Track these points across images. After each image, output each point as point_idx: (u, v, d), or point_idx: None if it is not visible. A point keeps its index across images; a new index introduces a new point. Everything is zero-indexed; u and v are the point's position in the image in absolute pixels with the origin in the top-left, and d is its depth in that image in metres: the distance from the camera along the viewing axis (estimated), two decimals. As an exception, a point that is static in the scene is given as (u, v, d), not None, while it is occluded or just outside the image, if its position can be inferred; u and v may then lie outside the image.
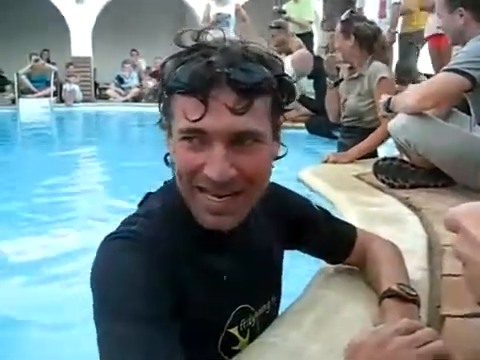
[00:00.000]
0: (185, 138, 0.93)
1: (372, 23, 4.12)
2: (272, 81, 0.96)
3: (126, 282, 0.87)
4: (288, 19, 7.87)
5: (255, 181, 0.96)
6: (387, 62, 3.99)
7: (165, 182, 1.11)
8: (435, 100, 2.64)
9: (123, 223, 0.99)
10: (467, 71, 2.46)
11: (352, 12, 4.15)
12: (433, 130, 2.66)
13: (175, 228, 1.00)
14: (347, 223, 1.43)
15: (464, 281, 0.64)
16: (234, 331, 1.06)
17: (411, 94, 2.71)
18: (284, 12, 8.35)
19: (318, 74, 6.05)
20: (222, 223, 0.97)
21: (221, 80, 0.90)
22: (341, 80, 4.25)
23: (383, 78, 3.78)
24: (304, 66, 6.36)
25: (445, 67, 2.59)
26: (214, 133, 0.91)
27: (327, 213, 1.37)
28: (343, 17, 4.09)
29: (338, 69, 4.32)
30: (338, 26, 4.09)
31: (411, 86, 2.91)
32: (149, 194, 1.09)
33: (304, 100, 6.69)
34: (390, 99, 2.83)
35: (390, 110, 2.85)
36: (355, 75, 4.04)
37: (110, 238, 0.95)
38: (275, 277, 1.24)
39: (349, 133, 4.16)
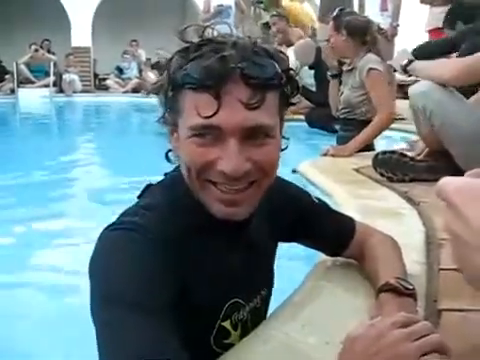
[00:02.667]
0: (196, 135, 0.93)
1: (364, 17, 4.15)
2: (281, 75, 0.97)
3: (126, 272, 0.87)
4: (265, 9, 7.83)
5: (267, 173, 0.98)
6: (380, 55, 3.99)
7: (165, 174, 1.11)
8: (471, 79, 2.66)
9: (124, 214, 0.99)
10: None
11: (342, 9, 4.18)
12: (453, 103, 2.65)
13: (177, 220, 0.99)
14: (346, 216, 1.43)
15: (453, 258, 0.63)
16: (227, 324, 1.06)
17: (448, 67, 2.68)
18: (261, 2, 8.31)
19: (319, 65, 6.04)
20: (236, 213, 0.99)
21: (235, 75, 0.90)
22: (341, 72, 4.26)
23: (371, 69, 3.79)
24: (307, 55, 6.34)
25: None
26: (228, 129, 0.91)
27: (326, 205, 1.38)
28: (334, 14, 4.16)
29: (339, 62, 4.32)
30: (330, 23, 4.14)
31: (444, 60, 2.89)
32: (149, 186, 1.08)
33: (304, 92, 6.67)
34: (411, 61, 2.82)
35: (407, 71, 2.85)
36: (350, 68, 4.08)
37: (111, 229, 0.95)
38: (267, 271, 1.24)
39: (346, 125, 4.18)
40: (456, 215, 0.60)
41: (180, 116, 0.96)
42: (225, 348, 1.06)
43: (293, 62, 6.73)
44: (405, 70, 2.85)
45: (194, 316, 0.98)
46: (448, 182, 0.63)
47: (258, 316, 1.17)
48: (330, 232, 1.33)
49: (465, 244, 0.59)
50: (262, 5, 8.10)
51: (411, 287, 1.14)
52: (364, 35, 3.96)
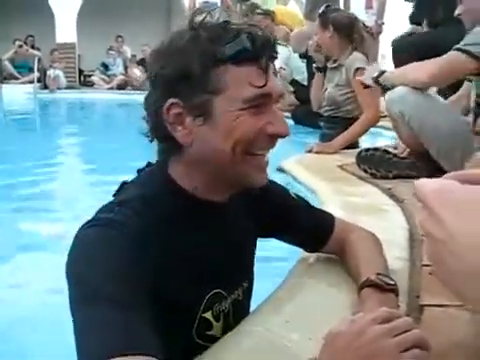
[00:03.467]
0: (248, 107, 0.98)
1: (350, 14, 4.16)
2: None
3: (102, 268, 0.87)
4: (253, 5, 7.82)
5: None
6: (366, 53, 4.01)
7: (138, 171, 1.11)
8: (445, 79, 2.69)
9: (99, 212, 0.99)
10: (476, 54, 2.47)
11: (328, 6, 4.18)
12: (430, 105, 2.68)
13: (152, 212, 0.99)
14: (325, 212, 1.44)
15: (427, 255, 0.64)
16: (208, 315, 1.07)
17: (423, 71, 2.69)
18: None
19: (309, 58, 6.06)
20: (265, 178, 1.07)
21: (271, 51, 1.01)
22: (326, 67, 4.28)
23: (358, 69, 3.80)
24: (300, 43, 6.38)
25: (456, 46, 2.60)
26: (275, 94, 1.02)
27: (305, 202, 1.38)
28: (320, 10, 4.16)
29: (326, 58, 4.33)
30: (317, 21, 4.15)
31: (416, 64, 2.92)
32: (124, 183, 1.08)
33: (295, 86, 6.68)
34: (383, 72, 2.85)
35: (380, 83, 2.88)
36: (335, 65, 4.08)
37: (86, 226, 0.95)
38: (248, 263, 1.24)
39: (330, 123, 4.18)
40: (431, 216, 0.61)
41: (219, 94, 0.97)
42: (208, 340, 1.07)
43: (279, 57, 6.75)
44: (377, 82, 2.89)
45: (174, 307, 0.98)
46: (424, 183, 0.64)
47: (241, 309, 1.18)
48: (308, 228, 1.34)
49: (439, 244, 0.60)
50: (249, 2, 8.07)
51: (392, 282, 1.15)
52: (350, 32, 3.96)
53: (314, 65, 4.52)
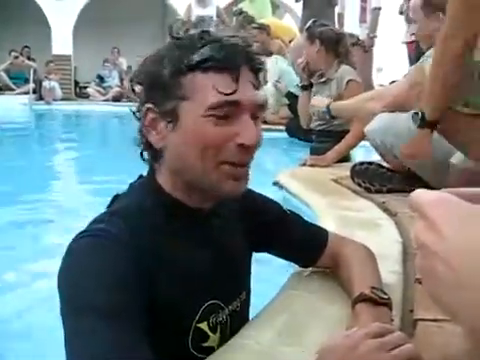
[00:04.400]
0: (213, 114, 0.98)
1: (336, 29, 4.19)
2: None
3: (93, 279, 0.87)
4: (247, 18, 7.85)
5: (256, 150, 1.06)
6: (354, 66, 4.04)
7: (131, 184, 1.12)
8: (394, 107, 2.73)
9: (92, 222, 0.99)
10: None
11: (315, 21, 4.21)
12: (410, 133, 2.69)
13: (144, 222, 1.00)
14: (318, 226, 1.44)
15: (417, 268, 0.64)
16: (204, 326, 1.06)
17: (376, 101, 2.76)
18: (243, 12, 8.34)
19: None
20: (240, 187, 1.05)
21: (245, 59, 1.01)
22: (311, 85, 4.30)
23: (350, 81, 3.83)
24: (298, 55, 6.42)
25: (406, 73, 2.65)
26: (246, 104, 1.00)
27: (298, 216, 1.38)
28: (307, 25, 4.20)
29: (310, 74, 4.35)
30: (304, 34, 4.18)
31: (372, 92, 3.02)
32: (116, 196, 1.09)
33: (289, 96, 6.68)
34: (329, 105, 2.94)
35: (333, 116, 2.98)
36: (323, 79, 4.11)
37: (78, 237, 0.95)
38: (244, 274, 1.24)
39: (321, 137, 4.21)
40: (429, 227, 0.61)
41: (187, 99, 0.99)
42: (204, 351, 1.06)
43: (274, 70, 6.78)
44: (331, 116, 3.00)
45: (167, 316, 0.98)
46: (422, 194, 0.64)
47: (239, 319, 1.18)
48: (301, 243, 1.34)
49: (433, 255, 0.59)
50: (245, 15, 8.09)
51: (386, 296, 1.15)
52: (337, 46, 4.01)
53: (298, 84, 4.55)
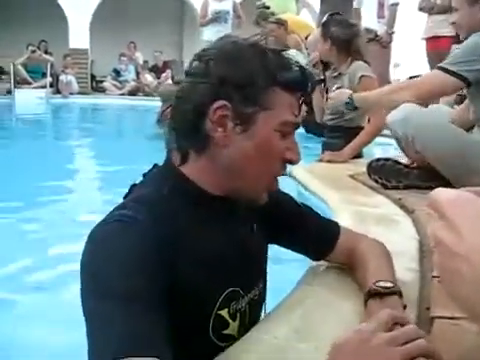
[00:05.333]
0: (281, 130, 1.06)
1: (352, 26, 4.14)
2: None
3: (116, 263, 0.87)
4: (272, 14, 7.83)
5: None
6: (368, 62, 4.03)
7: (144, 175, 1.12)
8: (429, 98, 2.83)
9: (113, 210, 0.99)
10: (460, 73, 2.51)
11: (332, 15, 4.19)
12: (433, 125, 2.68)
13: (166, 210, 1.00)
14: (330, 220, 1.45)
15: (437, 269, 0.63)
16: (224, 313, 1.06)
17: (407, 91, 2.71)
18: (268, 7, 8.31)
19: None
20: (265, 199, 1.13)
21: (310, 86, 1.12)
22: (323, 79, 4.29)
23: (363, 76, 3.81)
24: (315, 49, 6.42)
25: (440, 64, 2.63)
26: (298, 126, 1.11)
27: (310, 209, 1.38)
28: (323, 20, 4.19)
29: (324, 67, 4.35)
30: (319, 29, 4.17)
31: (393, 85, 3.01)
32: (133, 186, 1.10)
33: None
34: (351, 97, 2.95)
35: (356, 107, 2.95)
36: (335, 74, 4.11)
37: (101, 224, 0.96)
38: (261, 264, 1.25)
39: (333, 132, 4.20)
40: (448, 226, 0.60)
41: (264, 110, 1.04)
42: (224, 339, 1.07)
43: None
44: (355, 108, 3.01)
45: (189, 302, 0.98)
46: (440, 192, 0.64)
47: (256, 309, 1.19)
48: (313, 236, 1.34)
49: (451, 254, 0.59)
50: (270, 10, 8.07)
51: (389, 285, 1.15)
52: (348, 47, 3.99)
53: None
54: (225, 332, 1.07)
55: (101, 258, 0.89)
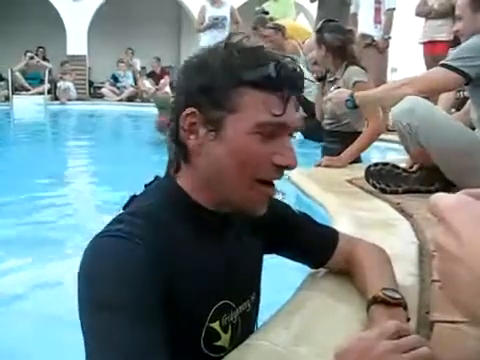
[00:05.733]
0: (258, 132, 0.99)
1: (346, 32, 4.16)
2: None
3: (113, 279, 0.87)
4: (271, 19, 7.86)
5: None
6: (364, 66, 4.05)
7: (145, 185, 1.12)
8: (431, 93, 2.81)
9: (111, 223, 0.99)
10: (462, 68, 2.55)
11: (326, 21, 4.20)
12: (438, 118, 2.69)
13: (163, 224, 1.00)
14: (328, 226, 1.44)
15: (438, 273, 0.63)
16: (216, 326, 1.06)
17: (408, 86, 2.72)
18: (267, 12, 8.34)
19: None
20: (265, 208, 1.07)
21: (295, 82, 1.03)
22: (325, 76, 4.31)
23: (357, 82, 3.82)
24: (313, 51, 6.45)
25: (442, 61, 2.65)
26: (290, 126, 1.02)
27: (308, 217, 1.37)
28: (317, 26, 4.22)
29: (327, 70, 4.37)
30: (313, 35, 4.21)
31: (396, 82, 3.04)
32: (133, 197, 1.10)
33: (301, 99, 6.68)
34: (352, 95, 2.98)
35: (356, 106, 2.97)
36: (332, 78, 4.13)
37: (98, 237, 0.95)
38: (255, 276, 1.24)
39: (331, 137, 4.21)
40: (448, 231, 0.60)
41: (234, 113, 0.99)
42: (215, 351, 1.07)
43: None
44: (355, 106, 3.05)
45: (182, 316, 0.98)
46: (440, 197, 0.64)
47: (248, 320, 1.18)
48: (311, 243, 1.33)
49: (452, 259, 0.59)
50: (269, 15, 8.10)
51: (398, 296, 1.14)
52: (343, 52, 4.02)
53: (314, 75, 4.58)
54: (217, 344, 1.07)
55: (97, 271, 0.89)
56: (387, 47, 7.04)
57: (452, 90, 2.88)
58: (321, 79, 4.37)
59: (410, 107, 2.67)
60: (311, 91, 6.59)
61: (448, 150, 2.63)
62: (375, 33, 6.87)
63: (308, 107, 6.51)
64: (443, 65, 2.63)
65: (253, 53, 1.01)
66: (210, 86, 1.00)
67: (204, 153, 1.02)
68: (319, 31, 4.14)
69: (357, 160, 3.97)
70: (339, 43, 4.02)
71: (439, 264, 0.62)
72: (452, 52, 2.67)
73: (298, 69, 1.04)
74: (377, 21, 7.07)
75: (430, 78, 2.72)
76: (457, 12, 2.81)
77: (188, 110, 1.01)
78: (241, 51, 1.01)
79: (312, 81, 4.95)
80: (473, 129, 2.85)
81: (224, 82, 0.99)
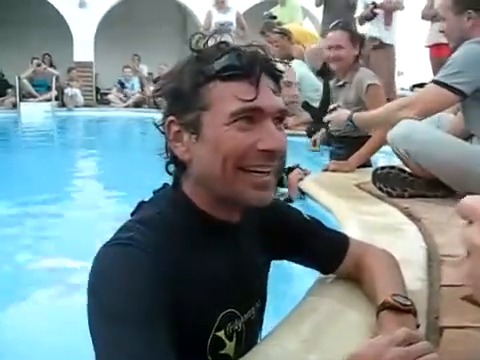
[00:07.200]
0: (235, 120, 0.99)
1: (361, 35, 4.17)
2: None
3: (123, 288, 0.88)
4: (279, 24, 7.88)
5: (281, 157, 1.06)
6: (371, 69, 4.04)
7: (154, 192, 1.13)
8: (427, 114, 2.76)
9: (119, 231, 1.00)
10: (456, 87, 2.54)
11: (338, 23, 4.17)
12: (434, 141, 2.68)
13: (170, 233, 1.01)
14: (339, 232, 1.43)
15: (465, 273, 0.62)
16: (221, 334, 1.06)
17: (407, 110, 2.72)
18: (275, 17, 8.36)
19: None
20: (265, 197, 1.05)
21: (263, 66, 1.02)
22: (323, 71, 4.30)
23: (370, 85, 3.79)
24: (316, 60, 6.41)
25: (435, 78, 2.64)
26: (268, 109, 1.01)
27: (318, 223, 1.37)
28: (330, 26, 4.19)
29: (325, 65, 4.35)
30: (341, 33, 4.13)
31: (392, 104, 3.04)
32: (142, 203, 1.10)
33: (306, 106, 6.69)
34: (351, 116, 3.02)
35: (356, 126, 2.99)
36: (340, 83, 4.07)
37: (107, 245, 0.96)
38: (261, 283, 1.24)
39: (339, 143, 4.18)
40: None
41: (207, 110, 1.01)
42: (220, 359, 1.07)
43: (297, 74, 6.80)
44: (354, 126, 3.12)
45: (189, 325, 0.98)
46: (474, 199, 0.63)
47: (253, 328, 1.18)
48: (322, 249, 1.33)
49: None
50: (277, 20, 8.14)
51: (409, 303, 1.13)
52: (357, 57, 3.98)
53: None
54: (222, 352, 1.07)
55: (107, 281, 0.90)
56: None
57: (447, 107, 2.86)
58: (319, 73, 4.36)
59: (406, 133, 2.68)
60: (313, 97, 6.61)
61: (449, 169, 2.64)
62: (386, 36, 6.89)
63: (310, 110, 6.54)
64: (437, 83, 2.62)
65: (212, 49, 1.04)
66: (179, 91, 1.02)
67: (193, 157, 1.04)
68: (349, 30, 4.08)
69: (367, 164, 3.93)
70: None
71: (469, 263, 0.62)
72: (446, 63, 2.64)
73: (264, 51, 1.05)
74: (388, 23, 7.07)
75: (428, 100, 2.69)
76: (440, 13, 2.81)
77: (167, 119, 1.04)
78: (201, 50, 1.04)
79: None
80: (471, 136, 2.86)
81: (190, 83, 1.01)
